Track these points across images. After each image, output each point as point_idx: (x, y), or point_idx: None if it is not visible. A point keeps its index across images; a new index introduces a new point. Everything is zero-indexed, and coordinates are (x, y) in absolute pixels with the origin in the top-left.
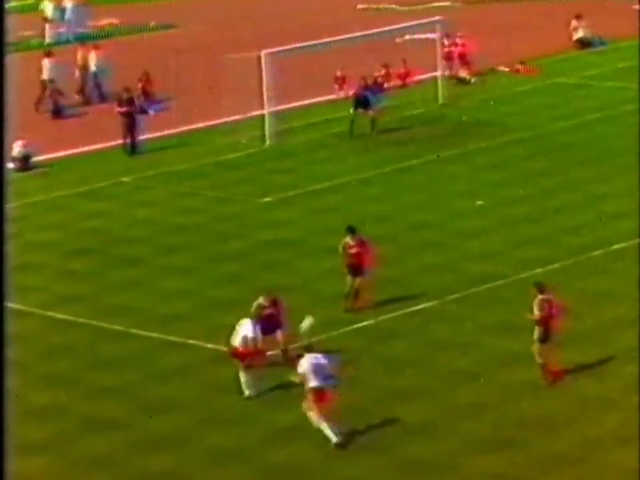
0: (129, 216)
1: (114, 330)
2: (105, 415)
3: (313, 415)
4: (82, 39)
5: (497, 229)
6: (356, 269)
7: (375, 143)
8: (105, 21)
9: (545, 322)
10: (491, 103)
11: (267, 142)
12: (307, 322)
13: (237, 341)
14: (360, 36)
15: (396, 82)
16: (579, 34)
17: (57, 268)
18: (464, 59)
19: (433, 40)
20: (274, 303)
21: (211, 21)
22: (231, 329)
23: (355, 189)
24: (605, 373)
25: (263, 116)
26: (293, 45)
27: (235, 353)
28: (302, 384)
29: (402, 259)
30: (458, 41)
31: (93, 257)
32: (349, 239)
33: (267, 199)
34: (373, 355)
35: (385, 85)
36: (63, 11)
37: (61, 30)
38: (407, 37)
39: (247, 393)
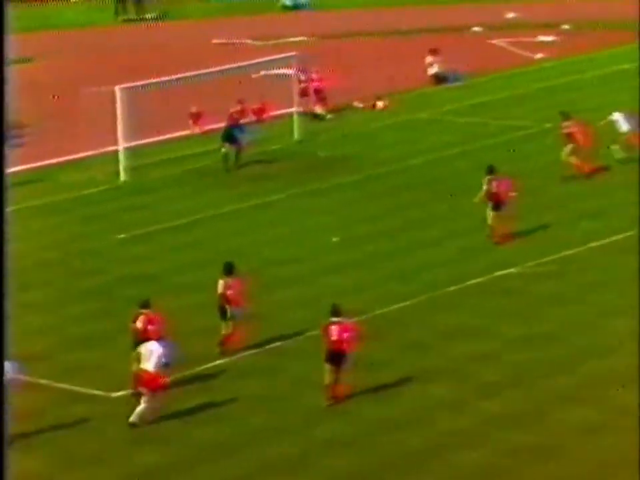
0: None
1: None
2: None
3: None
4: None
5: (356, 264)
6: (225, 311)
7: (232, 179)
8: None
9: (336, 345)
10: (345, 136)
11: (122, 178)
12: None
13: (149, 365)
14: (215, 71)
15: (251, 118)
16: (435, 69)
17: None
18: (319, 95)
19: (289, 75)
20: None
21: (68, 55)
22: (91, 367)
23: (213, 224)
24: (464, 408)
25: (117, 151)
26: (148, 80)
27: (145, 379)
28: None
29: (261, 295)
30: (314, 76)
31: None
32: (227, 280)
33: (122, 235)
34: (231, 393)
35: (241, 121)
36: None
37: None
38: (263, 72)
39: (133, 419)
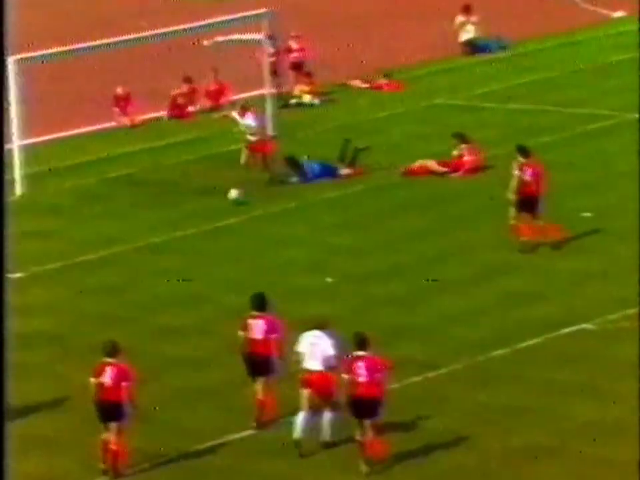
0: None
1: None
2: None
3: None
4: None
5: (350, 316)
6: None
7: (171, 194)
8: None
9: (364, 389)
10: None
11: (19, 190)
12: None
13: (315, 363)
14: (150, 36)
15: (204, 103)
16: (468, 33)
17: None
18: (301, 70)
19: (258, 42)
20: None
21: None
22: None
23: (143, 259)
24: None
25: (11, 152)
26: (54, 49)
27: (316, 381)
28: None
29: (224, 357)
30: (293, 44)
31: None
32: (265, 317)
33: (18, 275)
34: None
35: (190, 108)
36: None
37: None
38: (220, 38)
39: (325, 438)
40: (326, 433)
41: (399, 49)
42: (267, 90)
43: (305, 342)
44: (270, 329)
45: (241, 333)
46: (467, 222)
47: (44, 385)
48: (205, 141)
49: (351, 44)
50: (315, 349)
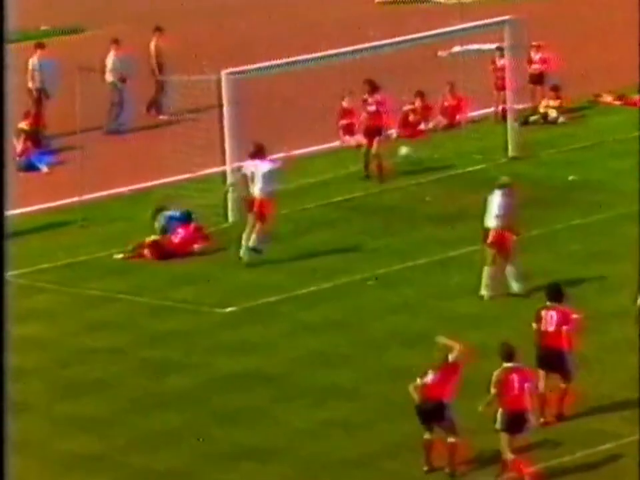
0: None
1: None
2: None
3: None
4: None
5: (594, 355)
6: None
7: (402, 220)
8: None
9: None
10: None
11: (231, 216)
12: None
13: None
14: (377, 46)
15: (439, 120)
16: None
17: None
18: (543, 83)
19: (500, 52)
20: None
21: (132, 19)
22: None
23: (373, 291)
24: None
25: (224, 174)
26: (271, 61)
27: None
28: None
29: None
30: (534, 54)
31: None
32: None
33: (230, 309)
34: None
35: (422, 126)
36: None
37: None
38: (457, 48)
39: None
40: None
41: None
42: (510, 104)
43: None
44: (562, 321)
45: (534, 325)
46: None
47: (258, 429)
48: (439, 162)
49: (605, 55)
50: None
